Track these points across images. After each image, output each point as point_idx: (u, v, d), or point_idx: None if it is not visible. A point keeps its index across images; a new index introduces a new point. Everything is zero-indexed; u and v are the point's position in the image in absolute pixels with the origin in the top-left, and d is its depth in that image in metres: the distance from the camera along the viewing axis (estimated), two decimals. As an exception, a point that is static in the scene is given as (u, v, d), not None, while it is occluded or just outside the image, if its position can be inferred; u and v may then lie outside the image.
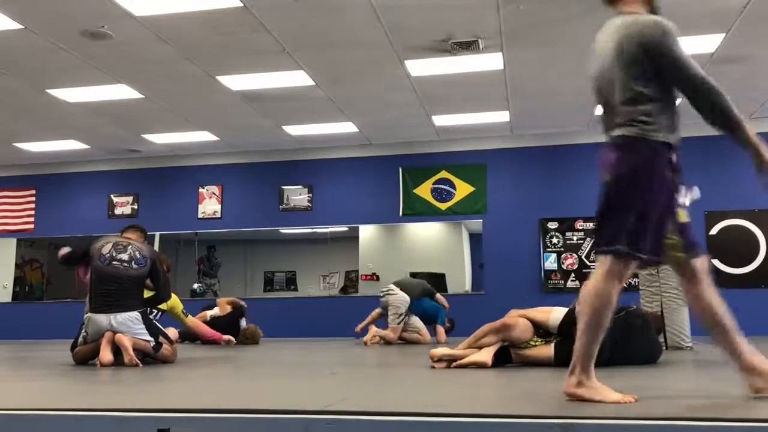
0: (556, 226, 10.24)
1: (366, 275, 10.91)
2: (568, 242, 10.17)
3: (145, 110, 9.05)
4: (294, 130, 10.09)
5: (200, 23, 6.45)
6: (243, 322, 8.34)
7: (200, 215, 11.34)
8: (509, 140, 10.57)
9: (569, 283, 9.96)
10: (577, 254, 10.12)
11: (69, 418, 2.28)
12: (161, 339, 4.91)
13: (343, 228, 11.02)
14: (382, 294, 7.82)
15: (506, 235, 10.33)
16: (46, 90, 8.23)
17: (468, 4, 6.16)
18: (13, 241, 11.92)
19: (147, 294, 5.20)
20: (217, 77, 7.90)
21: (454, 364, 4.03)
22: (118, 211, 11.59)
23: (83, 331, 4.90)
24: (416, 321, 7.90)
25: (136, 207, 11.56)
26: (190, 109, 9.10)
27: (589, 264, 10.07)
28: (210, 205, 11.34)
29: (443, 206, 10.61)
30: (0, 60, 7.30)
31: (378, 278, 10.81)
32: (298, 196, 11.10)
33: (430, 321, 8.03)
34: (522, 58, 7.46)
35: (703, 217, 9.78)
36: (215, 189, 11.37)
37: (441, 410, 2.17)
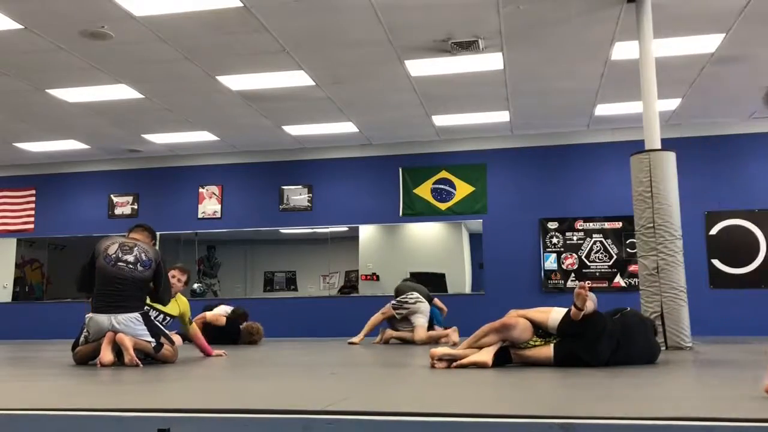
0: (556, 226, 10.24)
1: (366, 275, 10.91)
2: (568, 242, 10.17)
3: (145, 110, 9.05)
4: (294, 130, 10.09)
5: (200, 23, 6.45)
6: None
7: (200, 215, 11.35)
8: (509, 140, 10.57)
9: (569, 283, 9.96)
10: (577, 254, 10.12)
11: (69, 418, 2.28)
12: (162, 339, 4.91)
13: (343, 228, 11.02)
14: (412, 300, 7.76)
15: (506, 235, 10.33)
16: (46, 90, 8.23)
17: (468, 4, 6.17)
18: (13, 241, 11.92)
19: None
20: (217, 77, 7.90)
21: (454, 364, 4.03)
22: (118, 211, 11.59)
23: (84, 330, 4.89)
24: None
25: (136, 207, 11.57)
26: (190, 109, 9.11)
27: (588, 264, 10.08)
28: (210, 205, 11.34)
29: (443, 206, 10.62)
30: (0, 60, 7.30)
31: (378, 278, 10.81)
32: (298, 196, 11.11)
33: (430, 324, 8.05)
34: (522, 58, 7.46)
35: (703, 217, 9.78)
36: (215, 189, 11.37)
37: (441, 410, 2.17)
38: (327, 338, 9.54)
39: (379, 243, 11.22)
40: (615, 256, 10.03)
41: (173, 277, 5.66)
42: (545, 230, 10.26)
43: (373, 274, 10.90)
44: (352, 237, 11.00)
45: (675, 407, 2.41)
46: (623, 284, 9.90)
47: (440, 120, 9.71)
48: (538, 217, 10.30)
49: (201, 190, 11.40)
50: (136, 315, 4.80)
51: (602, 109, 9.30)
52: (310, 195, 11.07)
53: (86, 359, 4.89)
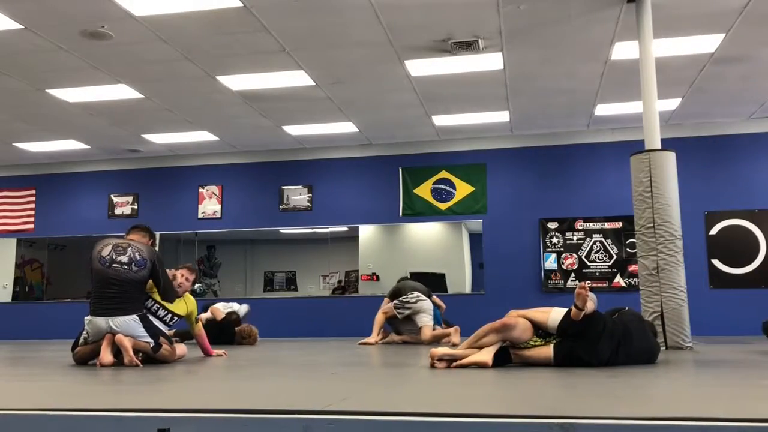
0: (556, 226, 10.24)
1: (366, 275, 10.91)
2: (568, 242, 10.17)
3: (145, 110, 9.05)
4: (294, 130, 10.09)
5: (200, 23, 6.45)
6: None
7: (200, 215, 11.35)
8: (509, 140, 10.57)
9: (569, 283, 9.96)
10: (577, 254, 10.12)
11: (69, 418, 2.28)
12: (161, 339, 4.91)
13: (343, 228, 11.02)
14: (413, 300, 7.74)
15: (506, 235, 10.33)
16: (46, 90, 8.23)
17: (468, 4, 6.17)
18: (13, 241, 11.92)
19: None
20: (217, 77, 7.90)
21: (454, 364, 4.03)
22: (118, 211, 11.59)
23: (84, 331, 4.89)
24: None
25: (136, 207, 11.57)
26: (190, 109, 9.10)
27: (588, 264, 10.08)
28: (210, 205, 11.34)
29: (443, 206, 10.62)
30: (0, 60, 7.30)
31: (378, 278, 10.81)
32: (298, 196, 11.11)
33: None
34: (522, 58, 7.46)
35: (703, 217, 9.79)
36: (215, 189, 11.37)
37: (441, 410, 2.17)
38: (327, 338, 9.54)
39: (379, 243, 11.22)
40: (615, 256, 10.03)
41: (182, 276, 5.63)
42: (545, 230, 10.26)
43: (373, 274, 10.90)
44: (352, 237, 11.00)
45: (675, 407, 2.41)
46: (623, 284, 9.90)
47: (440, 120, 9.71)
48: (538, 217, 10.30)
49: (201, 190, 11.40)
50: (134, 317, 4.79)
51: (602, 109, 9.30)
52: (310, 195, 11.07)
53: (86, 359, 4.89)
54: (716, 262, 9.74)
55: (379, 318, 7.88)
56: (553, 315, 4.13)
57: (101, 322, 4.72)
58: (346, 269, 11.15)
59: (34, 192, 11.93)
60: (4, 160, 11.64)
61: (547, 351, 4.08)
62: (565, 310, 4.11)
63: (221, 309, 8.27)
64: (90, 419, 2.26)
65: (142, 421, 2.21)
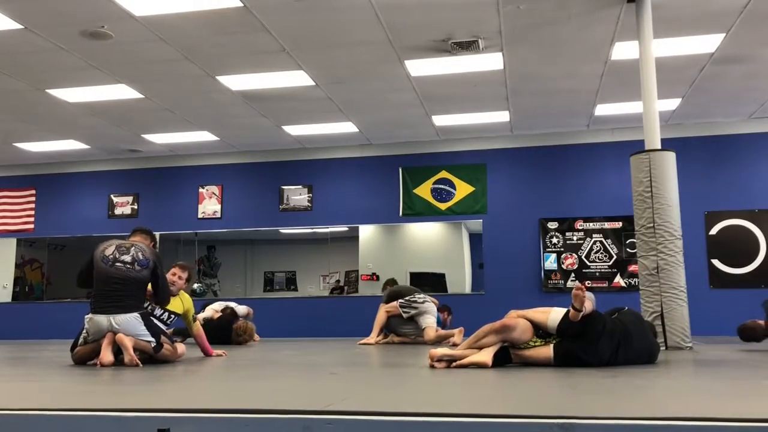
0: (556, 226, 10.24)
1: (366, 275, 10.91)
2: (568, 242, 10.17)
3: (145, 110, 9.06)
4: (294, 130, 10.09)
5: (200, 23, 6.45)
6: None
7: (200, 215, 11.35)
8: (509, 140, 10.57)
9: (569, 283, 9.96)
10: (577, 254, 10.12)
11: (69, 418, 2.27)
12: (162, 339, 4.92)
13: (343, 228, 11.02)
14: (421, 300, 7.72)
15: (506, 235, 10.33)
16: (46, 90, 8.23)
17: (468, 4, 6.17)
18: (13, 241, 11.93)
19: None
20: (217, 77, 7.90)
21: (454, 364, 4.03)
22: (118, 211, 11.59)
23: (84, 331, 4.90)
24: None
25: (136, 207, 11.57)
26: (190, 109, 9.11)
27: (588, 264, 10.08)
28: (210, 205, 11.34)
29: (443, 206, 10.62)
30: (0, 60, 7.30)
31: (378, 278, 10.80)
32: (298, 196, 11.11)
33: None
34: (522, 58, 7.46)
35: (703, 217, 9.79)
36: (215, 189, 11.37)
37: (441, 410, 2.17)
38: (327, 338, 9.54)
39: (379, 243, 11.22)
40: (615, 256, 10.03)
41: (174, 275, 5.66)
42: (545, 230, 10.26)
43: (373, 274, 10.90)
44: (352, 237, 11.00)
45: (675, 407, 2.41)
46: (623, 284, 9.90)
47: (440, 120, 9.71)
48: (538, 217, 10.30)
49: (201, 190, 11.40)
50: (135, 315, 4.81)
51: (602, 109, 9.30)
52: (310, 195, 11.07)
53: (85, 359, 4.89)
54: (716, 262, 9.74)
55: (381, 317, 7.79)
56: (553, 315, 4.13)
57: (102, 319, 4.73)
58: (346, 269, 11.15)
59: (34, 192, 11.93)
60: (4, 160, 11.64)
61: (547, 351, 4.08)
62: (565, 310, 4.11)
63: (215, 309, 8.28)
64: (90, 419, 2.26)
65: (142, 421, 2.21)
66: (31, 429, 2.28)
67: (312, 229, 11.21)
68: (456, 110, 9.28)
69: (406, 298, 7.78)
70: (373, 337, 7.72)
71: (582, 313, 3.99)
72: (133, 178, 11.64)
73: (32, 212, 11.89)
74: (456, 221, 10.78)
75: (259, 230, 11.29)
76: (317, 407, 2.26)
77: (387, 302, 7.91)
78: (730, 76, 8.04)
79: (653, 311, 5.76)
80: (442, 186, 10.66)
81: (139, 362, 4.61)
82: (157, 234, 10.95)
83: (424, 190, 10.71)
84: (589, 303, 4.04)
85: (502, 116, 9.58)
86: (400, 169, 10.80)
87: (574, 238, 10.17)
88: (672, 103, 8.97)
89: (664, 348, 5.54)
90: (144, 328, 4.80)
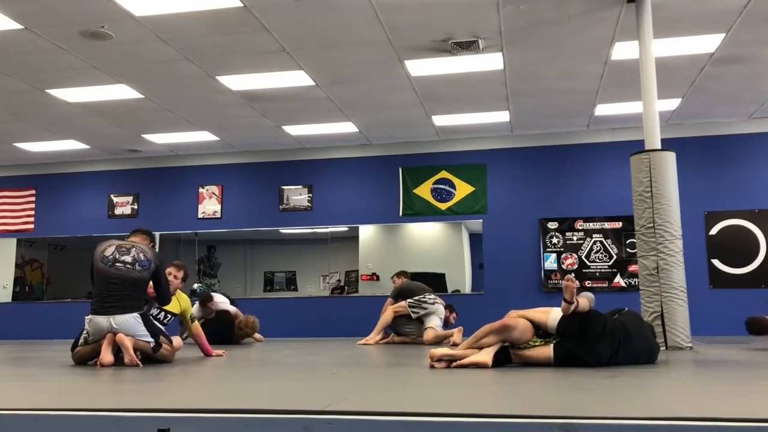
0: (556, 226, 10.24)
1: (366, 275, 10.91)
2: (568, 242, 10.17)
3: (145, 110, 9.06)
4: (294, 130, 10.09)
5: (200, 23, 6.45)
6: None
7: (200, 215, 11.35)
8: (509, 140, 10.57)
9: (569, 283, 9.94)
10: (577, 254, 10.12)
11: (69, 418, 2.28)
12: (161, 339, 4.92)
13: (343, 228, 11.02)
14: (431, 301, 7.69)
15: (506, 235, 10.33)
16: (46, 90, 8.23)
17: (468, 4, 6.17)
18: (13, 241, 11.93)
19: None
20: (217, 77, 7.90)
21: (454, 364, 4.03)
22: (118, 211, 11.59)
23: (84, 331, 4.90)
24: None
25: (136, 207, 11.57)
26: (190, 109, 9.11)
27: (588, 264, 10.08)
28: (210, 205, 11.34)
29: (443, 206, 10.62)
30: (0, 60, 7.30)
31: (378, 278, 10.81)
32: (298, 196, 11.11)
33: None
34: (522, 58, 7.46)
35: (703, 217, 9.79)
36: (215, 189, 11.37)
37: (441, 410, 2.17)
38: (327, 338, 9.54)
39: (379, 243, 11.22)
40: (615, 256, 10.03)
41: (169, 274, 5.66)
42: (545, 230, 10.26)
43: (373, 274, 10.90)
44: (352, 237, 11.00)
45: (675, 407, 2.40)
46: (623, 284, 9.90)
47: (440, 120, 9.71)
48: (538, 217, 10.30)
49: (201, 190, 11.40)
50: (135, 315, 4.81)
51: (602, 109, 9.30)
52: (310, 195, 11.07)
53: (85, 359, 4.89)
54: (716, 262, 9.74)
55: (388, 317, 7.70)
56: (553, 315, 4.13)
57: (102, 320, 4.73)
58: (346, 269, 11.15)
59: (34, 192, 11.93)
60: (4, 160, 11.64)
61: (547, 351, 4.08)
62: (565, 309, 4.11)
63: (218, 299, 8.22)
64: (90, 419, 2.26)
65: (142, 421, 2.21)
66: (31, 429, 2.28)
67: (312, 229, 11.21)
68: (456, 110, 9.28)
69: (416, 297, 7.70)
70: (372, 338, 7.67)
71: (573, 306, 3.98)
72: (133, 178, 11.64)
73: (32, 212, 11.89)
74: (456, 221, 10.78)
75: (259, 230, 11.29)
76: (317, 407, 2.26)
77: (395, 297, 7.86)
78: (730, 76, 8.04)
79: (653, 311, 5.76)
80: (442, 186, 10.66)
81: (140, 362, 4.62)
82: (157, 234, 11.05)
83: (424, 190, 10.71)
84: (584, 300, 4.04)
85: (502, 116, 9.58)
86: (400, 169, 10.80)
87: (574, 238, 10.17)
88: (672, 103, 8.97)
89: (664, 348, 5.54)
90: (144, 328, 4.81)
